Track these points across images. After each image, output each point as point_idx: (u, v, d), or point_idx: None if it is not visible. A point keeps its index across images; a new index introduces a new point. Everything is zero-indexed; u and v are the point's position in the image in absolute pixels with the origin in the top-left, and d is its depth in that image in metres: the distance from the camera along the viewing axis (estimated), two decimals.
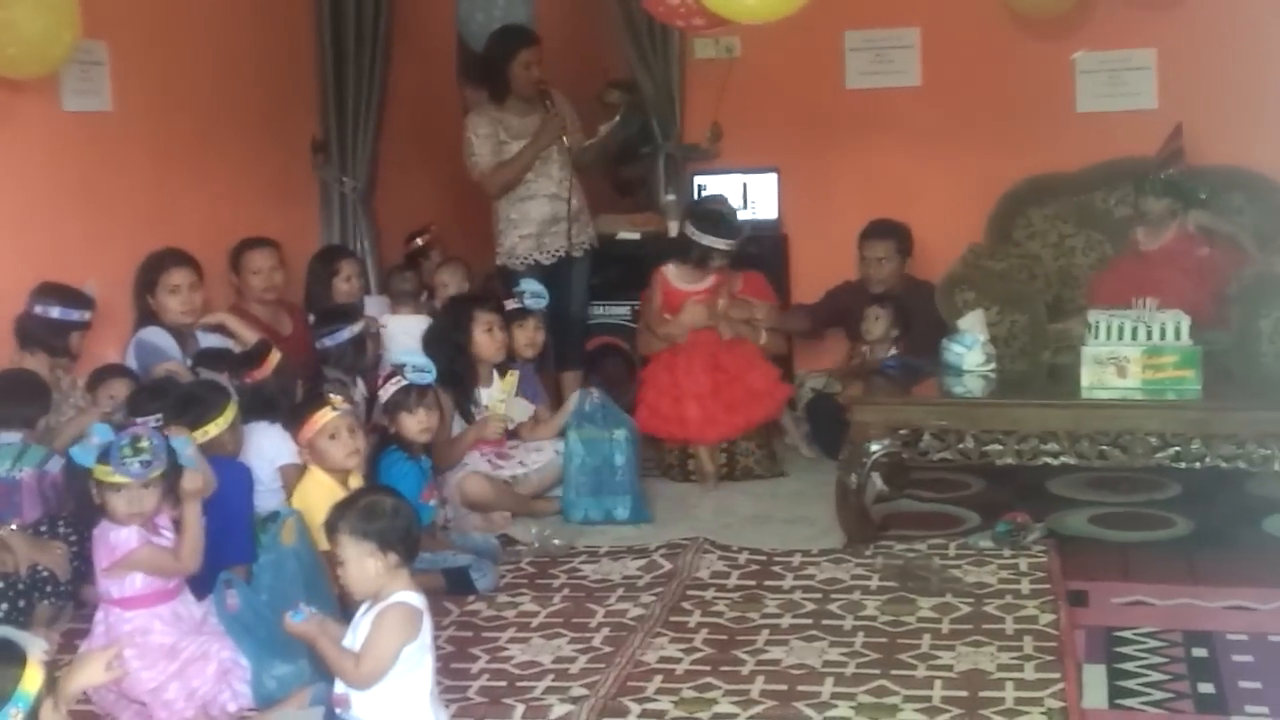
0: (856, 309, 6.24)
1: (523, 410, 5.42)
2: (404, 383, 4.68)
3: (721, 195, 6.57)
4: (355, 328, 5.45)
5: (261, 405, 4.58)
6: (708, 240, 5.81)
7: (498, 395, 5.42)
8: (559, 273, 6.32)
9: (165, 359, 4.96)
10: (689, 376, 5.75)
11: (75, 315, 4.69)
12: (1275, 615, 3.96)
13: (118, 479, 3.52)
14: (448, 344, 5.34)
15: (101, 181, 5.25)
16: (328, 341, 5.39)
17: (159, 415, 4.13)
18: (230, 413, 4.26)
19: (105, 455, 3.52)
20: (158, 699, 3.51)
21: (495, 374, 5.45)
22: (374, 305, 6.08)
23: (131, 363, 4.97)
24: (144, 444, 3.53)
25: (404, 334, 5.74)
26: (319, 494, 4.05)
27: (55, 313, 4.65)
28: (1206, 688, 3.51)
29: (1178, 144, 6.13)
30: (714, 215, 5.96)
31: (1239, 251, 5.91)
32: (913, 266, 6.44)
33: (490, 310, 5.49)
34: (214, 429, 4.19)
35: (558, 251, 6.32)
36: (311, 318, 5.79)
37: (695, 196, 6.86)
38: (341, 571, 3.21)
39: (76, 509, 4.08)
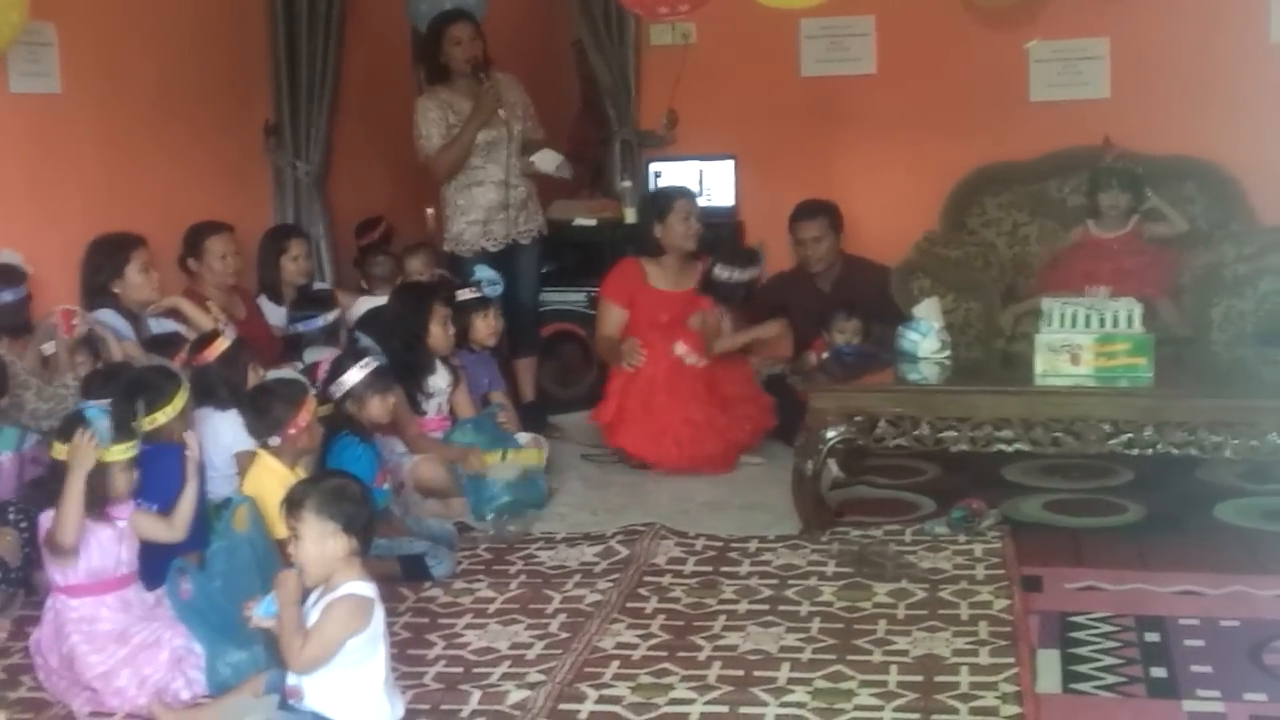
0: (799, 299, 6.24)
1: (509, 475, 5.09)
2: (374, 365, 4.67)
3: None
4: (330, 315, 5.44)
5: (202, 392, 4.51)
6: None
7: (510, 455, 5.15)
8: (507, 260, 6.25)
9: (121, 340, 4.89)
10: (671, 408, 5.67)
11: (8, 295, 4.64)
12: (1226, 600, 4.00)
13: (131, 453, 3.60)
14: (403, 333, 5.29)
15: (51, 164, 5.18)
16: (301, 327, 5.37)
17: (110, 400, 4.08)
18: (179, 401, 4.17)
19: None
20: (109, 685, 3.47)
21: (441, 366, 5.39)
22: None
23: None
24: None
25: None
26: (272, 481, 4.01)
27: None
28: (1159, 672, 3.54)
29: (1116, 149, 6.21)
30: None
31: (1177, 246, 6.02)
32: (862, 249, 6.46)
33: (445, 303, 5.44)
34: (162, 417, 4.09)
35: (504, 239, 6.27)
36: (263, 299, 5.79)
37: (650, 183, 6.85)
38: (296, 549, 3.18)
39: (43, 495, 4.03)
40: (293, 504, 3.22)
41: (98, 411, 3.62)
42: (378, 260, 6.34)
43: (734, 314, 5.94)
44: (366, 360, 4.67)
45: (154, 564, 3.73)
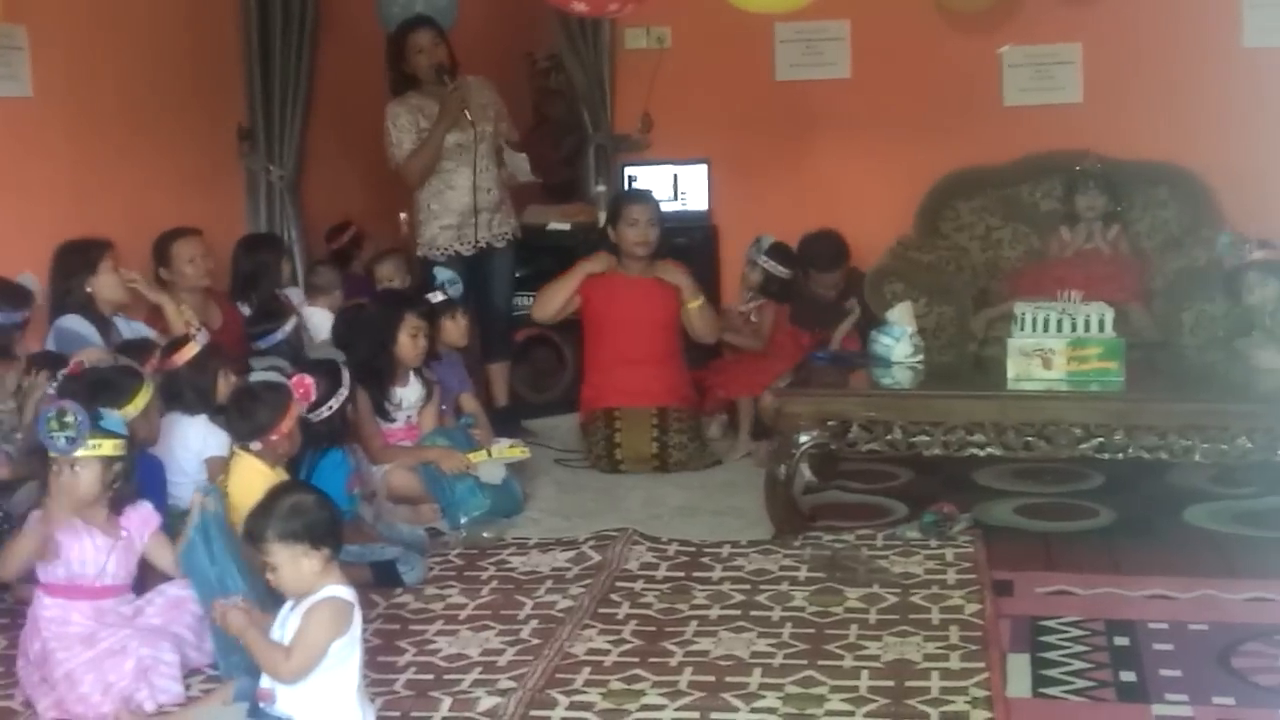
0: (798, 294, 6.27)
1: (495, 474, 5.15)
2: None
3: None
4: (288, 326, 5.42)
5: (170, 396, 4.46)
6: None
7: (494, 451, 5.22)
8: (480, 264, 6.24)
9: (86, 346, 4.86)
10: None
11: (17, 317, 4.62)
12: (1195, 604, 4.02)
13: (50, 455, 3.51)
14: (371, 339, 5.27)
15: (21, 169, 5.15)
16: (263, 344, 5.34)
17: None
18: (142, 399, 4.10)
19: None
20: (73, 691, 3.44)
21: (413, 376, 5.35)
22: (295, 298, 6.01)
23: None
24: (69, 418, 3.50)
25: (317, 329, 5.77)
26: (258, 481, 3.91)
27: None
28: (1128, 676, 3.55)
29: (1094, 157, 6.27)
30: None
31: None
32: None
33: (420, 315, 5.36)
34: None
35: (477, 243, 6.25)
36: (243, 309, 5.76)
37: (625, 187, 6.85)
38: (274, 576, 3.15)
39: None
40: (255, 538, 3.18)
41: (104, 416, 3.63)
42: (319, 270, 6.31)
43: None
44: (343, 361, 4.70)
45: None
